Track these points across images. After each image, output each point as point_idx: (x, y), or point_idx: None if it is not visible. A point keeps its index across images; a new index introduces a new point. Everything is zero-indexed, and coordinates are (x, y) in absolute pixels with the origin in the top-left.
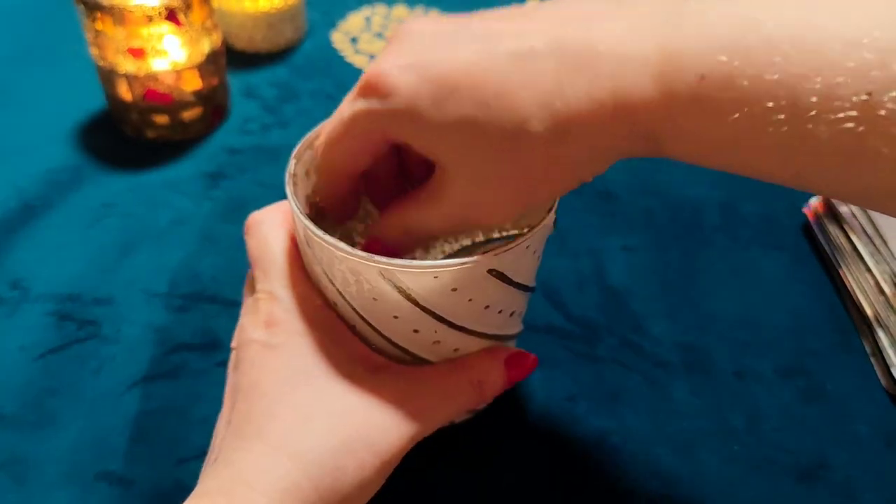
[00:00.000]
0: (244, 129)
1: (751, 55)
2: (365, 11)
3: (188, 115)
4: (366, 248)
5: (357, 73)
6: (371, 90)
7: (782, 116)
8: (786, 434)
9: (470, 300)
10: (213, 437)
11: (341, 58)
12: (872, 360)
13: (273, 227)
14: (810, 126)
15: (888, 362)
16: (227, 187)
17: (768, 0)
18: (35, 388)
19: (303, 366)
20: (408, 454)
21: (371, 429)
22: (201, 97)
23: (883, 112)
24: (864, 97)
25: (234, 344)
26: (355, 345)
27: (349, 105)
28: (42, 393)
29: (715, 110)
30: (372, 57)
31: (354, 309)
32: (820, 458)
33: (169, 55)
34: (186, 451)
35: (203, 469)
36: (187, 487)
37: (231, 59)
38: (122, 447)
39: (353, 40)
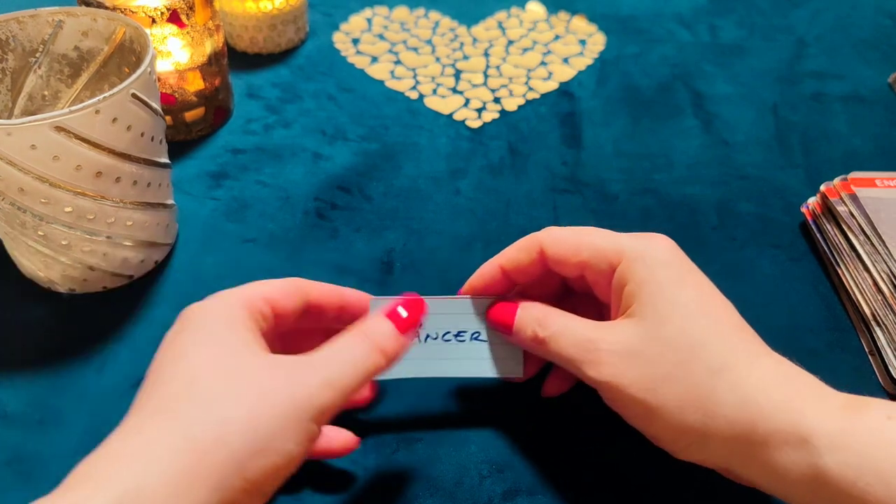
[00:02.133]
0: (247, 130)
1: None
2: (366, 13)
3: (191, 115)
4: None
5: (358, 73)
6: None
7: None
8: None
9: (55, 157)
10: None
11: (343, 58)
12: (870, 358)
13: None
14: None
15: (886, 361)
16: (230, 187)
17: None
18: (39, 385)
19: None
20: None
21: (288, 396)
22: (204, 98)
23: None
24: None
25: None
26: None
27: None
28: (46, 391)
29: None
30: (374, 59)
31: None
32: None
33: (172, 56)
34: None
35: None
36: None
37: (234, 59)
38: None
39: (355, 41)
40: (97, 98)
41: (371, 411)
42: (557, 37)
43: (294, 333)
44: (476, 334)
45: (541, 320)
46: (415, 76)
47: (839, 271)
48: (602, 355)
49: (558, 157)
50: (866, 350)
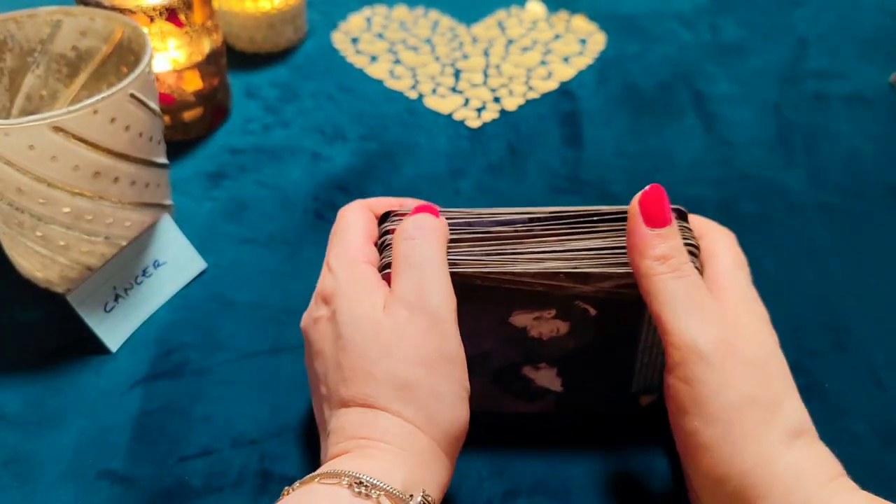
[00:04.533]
0: (245, 130)
1: None
2: (365, 12)
3: (189, 115)
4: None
5: (357, 73)
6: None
7: None
8: None
9: (53, 157)
10: (318, 419)
11: (342, 58)
12: None
13: (354, 212)
14: None
15: None
16: (228, 187)
17: None
18: (37, 386)
19: (363, 325)
20: None
21: (440, 342)
22: (202, 97)
23: None
24: None
25: (302, 325)
26: (383, 284)
27: None
28: (44, 391)
29: None
30: (373, 58)
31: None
32: None
33: (170, 55)
34: (187, 450)
35: (322, 451)
36: (188, 486)
37: (232, 59)
38: (123, 446)
39: (354, 41)
40: (95, 98)
41: None
42: (557, 36)
43: None
44: (155, 262)
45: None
46: (414, 75)
47: None
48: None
49: (558, 157)
50: None
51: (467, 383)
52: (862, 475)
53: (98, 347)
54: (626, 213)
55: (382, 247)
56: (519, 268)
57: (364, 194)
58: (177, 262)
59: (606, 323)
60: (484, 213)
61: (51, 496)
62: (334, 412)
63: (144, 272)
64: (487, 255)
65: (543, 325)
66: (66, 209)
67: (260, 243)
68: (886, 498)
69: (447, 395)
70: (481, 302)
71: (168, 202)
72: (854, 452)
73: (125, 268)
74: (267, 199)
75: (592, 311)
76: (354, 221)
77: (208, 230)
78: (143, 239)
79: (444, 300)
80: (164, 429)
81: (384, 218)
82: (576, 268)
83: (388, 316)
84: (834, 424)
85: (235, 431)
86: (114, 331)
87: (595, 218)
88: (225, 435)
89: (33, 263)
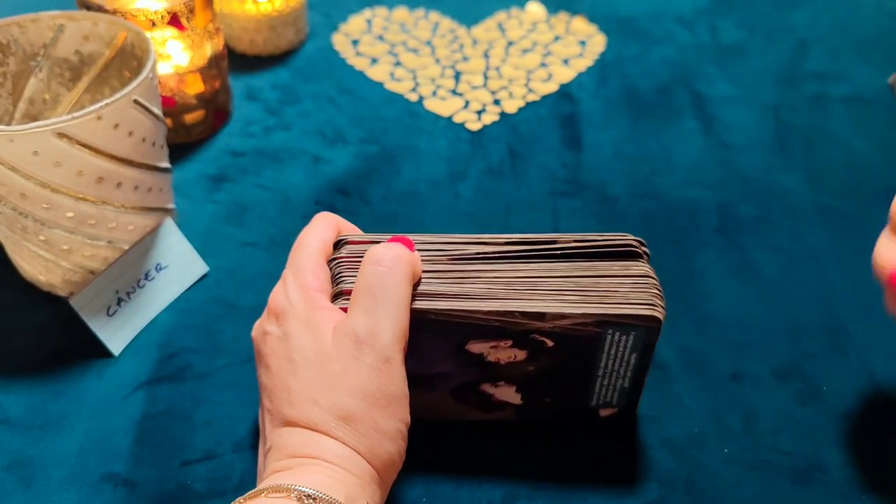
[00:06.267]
0: (246, 132)
1: None
2: (366, 14)
3: (191, 118)
4: None
5: (358, 75)
6: None
7: None
8: (782, 435)
9: (57, 163)
10: (261, 425)
11: (342, 60)
12: None
13: (321, 224)
14: None
15: None
16: (229, 190)
17: None
18: (40, 390)
19: (310, 348)
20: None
21: (385, 381)
22: (204, 100)
23: None
24: None
25: (253, 335)
26: (333, 311)
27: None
28: (47, 396)
29: None
30: (374, 60)
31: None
32: (815, 460)
33: (172, 59)
34: (190, 454)
35: (259, 457)
36: (191, 489)
37: (233, 61)
38: (126, 449)
39: (355, 42)
40: (99, 104)
41: None
42: (557, 38)
43: None
44: (158, 265)
45: None
46: (414, 78)
47: None
48: None
49: (558, 160)
50: None
51: (408, 418)
52: (860, 479)
53: (101, 351)
54: (581, 240)
55: (334, 278)
56: (473, 306)
57: (364, 197)
58: (179, 265)
59: (564, 353)
60: (435, 240)
61: (54, 500)
62: (277, 428)
63: (147, 276)
64: (441, 283)
65: (501, 352)
66: (70, 214)
67: (261, 246)
68: (887, 501)
69: (388, 431)
70: (437, 333)
71: (170, 206)
72: (852, 456)
73: (128, 271)
74: (268, 201)
75: (549, 343)
76: (315, 237)
77: (210, 233)
78: (146, 242)
79: (394, 339)
80: (167, 432)
81: (337, 244)
82: (531, 307)
83: (336, 346)
84: (831, 428)
85: (237, 436)
86: (116, 334)
87: (551, 246)
88: (227, 439)
89: (36, 267)
